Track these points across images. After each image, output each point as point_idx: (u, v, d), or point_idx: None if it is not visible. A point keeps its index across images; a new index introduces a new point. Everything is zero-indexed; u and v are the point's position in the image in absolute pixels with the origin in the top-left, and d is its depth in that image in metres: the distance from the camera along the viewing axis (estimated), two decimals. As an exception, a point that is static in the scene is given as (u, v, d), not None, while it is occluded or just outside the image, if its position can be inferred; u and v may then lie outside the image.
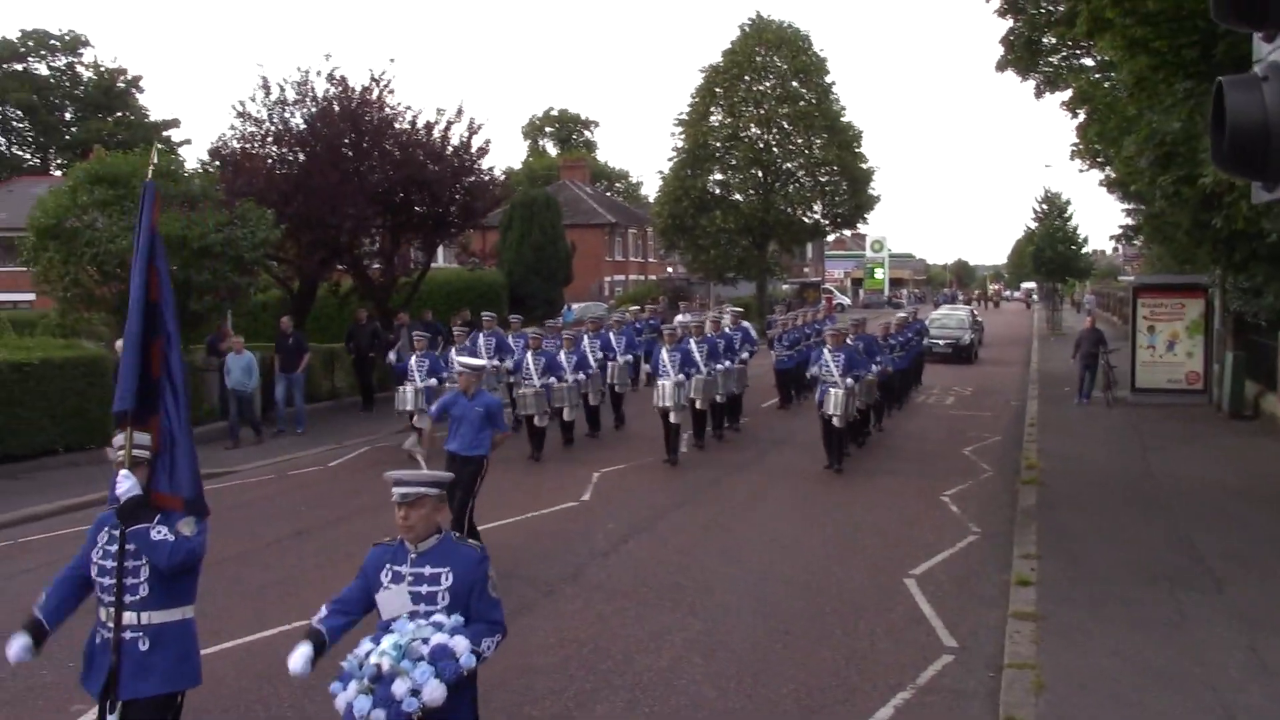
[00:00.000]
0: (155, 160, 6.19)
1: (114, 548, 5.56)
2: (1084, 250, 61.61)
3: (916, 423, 23.41)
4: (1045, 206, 60.85)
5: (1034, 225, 64.09)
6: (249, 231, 21.34)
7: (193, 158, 70.63)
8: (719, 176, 54.65)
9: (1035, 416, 23.34)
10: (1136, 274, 51.93)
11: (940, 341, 36.37)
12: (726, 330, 22.26)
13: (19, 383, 17.41)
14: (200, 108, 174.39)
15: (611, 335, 22.48)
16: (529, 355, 18.76)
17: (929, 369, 31.92)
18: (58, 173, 62.59)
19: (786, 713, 7.83)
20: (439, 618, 5.44)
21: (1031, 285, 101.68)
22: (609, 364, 21.71)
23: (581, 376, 19.48)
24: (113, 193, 20.45)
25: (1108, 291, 72.05)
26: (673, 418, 17.80)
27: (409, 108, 29.25)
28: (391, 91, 27.58)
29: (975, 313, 46.79)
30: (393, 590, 5.55)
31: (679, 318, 28.17)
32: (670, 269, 71.79)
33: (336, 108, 26.72)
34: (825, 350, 17.54)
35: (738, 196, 54.36)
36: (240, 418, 20.76)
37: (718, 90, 53.35)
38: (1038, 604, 10.14)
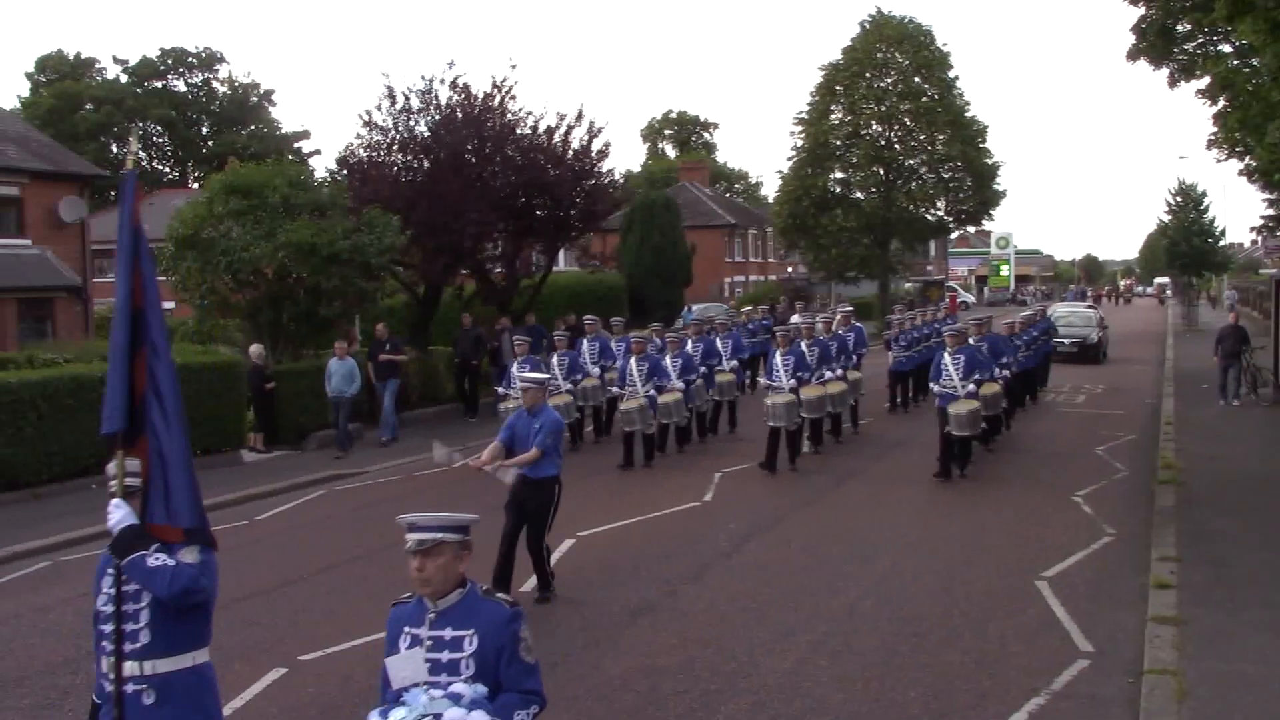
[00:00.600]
0: (135, 148, 5.35)
1: (114, 590, 4.82)
2: (1221, 243, 59.54)
3: (1046, 422, 22.82)
4: (1179, 199, 58.95)
5: (1167, 218, 62.15)
6: (375, 238, 21.78)
7: (321, 168, 72.41)
8: (839, 175, 54.10)
9: (1172, 415, 22.56)
10: (1279, 267, 49.96)
11: (1066, 340, 34.49)
12: (839, 332, 21.23)
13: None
14: (329, 119, 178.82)
15: (717, 340, 21.15)
16: (632, 361, 18.08)
17: (1054, 370, 30.41)
18: (195, 185, 64.78)
19: (914, 717, 7.67)
20: (459, 687, 4.57)
21: (1165, 280, 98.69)
22: (715, 373, 20.41)
23: (688, 382, 18.59)
24: (246, 203, 21.06)
25: (1247, 286, 69.42)
26: (788, 428, 17.05)
27: (530, 112, 29.43)
28: (513, 97, 27.92)
29: (1100, 311, 44.35)
30: (404, 655, 4.71)
31: (794, 318, 27.50)
32: (790, 269, 71.36)
33: (459, 115, 27.11)
34: (945, 354, 16.52)
35: (859, 195, 53.76)
36: (341, 425, 20.27)
37: (838, 88, 52.82)
38: (1178, 608, 9.78)
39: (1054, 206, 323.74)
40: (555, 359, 18.31)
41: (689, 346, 19.47)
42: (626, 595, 10.68)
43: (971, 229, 79.83)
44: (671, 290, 44.19)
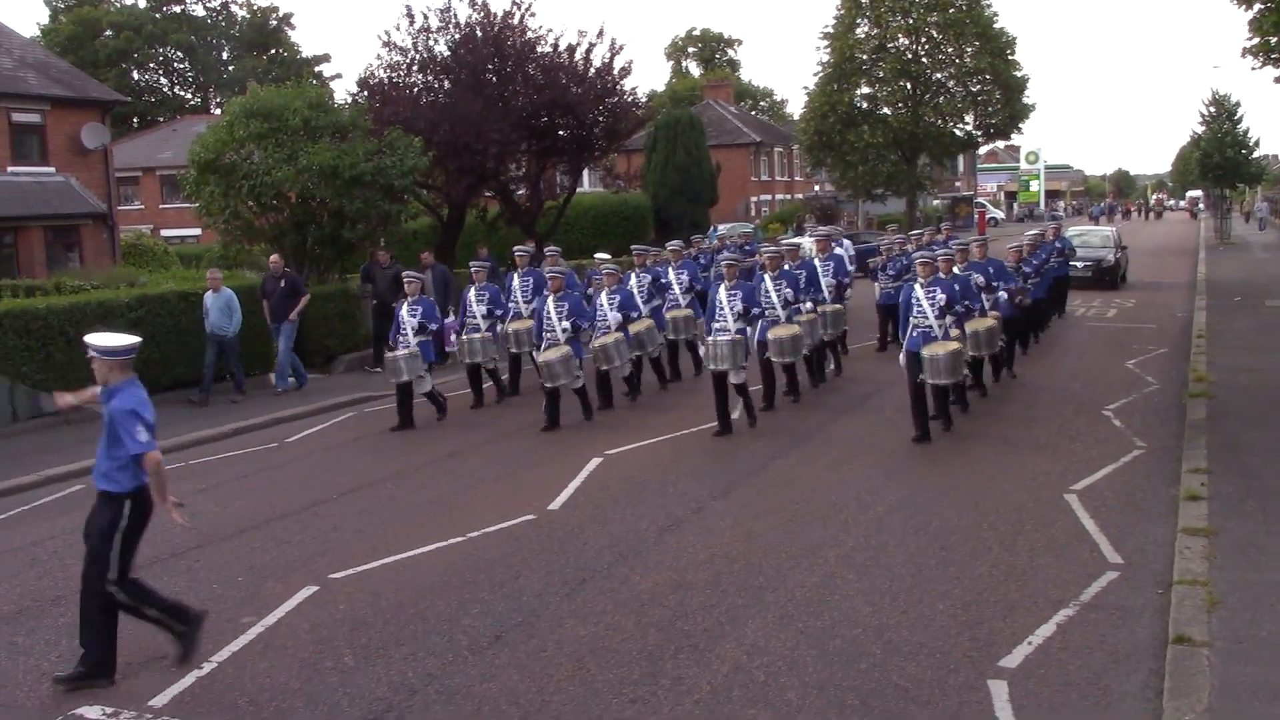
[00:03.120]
0: None
1: None
2: (1255, 154, 58.51)
3: (1076, 335, 22.63)
4: (1213, 110, 57.81)
5: (1200, 130, 61.04)
6: (398, 160, 21.66)
7: (342, 91, 71.92)
8: (866, 90, 53.23)
9: (1204, 328, 22.31)
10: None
11: (1079, 264, 30.83)
12: (812, 258, 18.31)
13: (186, 312, 18.18)
14: (348, 42, 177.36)
15: (671, 271, 17.90)
16: (550, 300, 15.20)
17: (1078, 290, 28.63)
18: (217, 111, 64.57)
19: (943, 628, 7.68)
20: None
21: (1197, 194, 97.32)
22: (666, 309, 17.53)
23: (625, 320, 15.52)
24: (267, 126, 20.93)
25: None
26: (732, 378, 14.10)
27: (550, 30, 29.23)
28: (533, 14, 27.69)
29: (1117, 229, 40.61)
30: None
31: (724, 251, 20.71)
32: (817, 187, 70.72)
33: (479, 33, 26.86)
34: (917, 285, 13.64)
35: (886, 110, 52.93)
36: (221, 366, 17.98)
37: (863, 1, 51.83)
38: (1209, 519, 9.71)
39: (1084, 120, 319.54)
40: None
41: (632, 281, 17.05)
42: (654, 512, 10.71)
43: (1000, 144, 79.08)
44: (697, 210, 43.92)
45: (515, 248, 18.46)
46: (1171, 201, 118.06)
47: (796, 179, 72.51)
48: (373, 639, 7.72)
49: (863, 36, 52.23)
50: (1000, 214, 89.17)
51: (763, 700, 6.68)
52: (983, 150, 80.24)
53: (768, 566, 9.02)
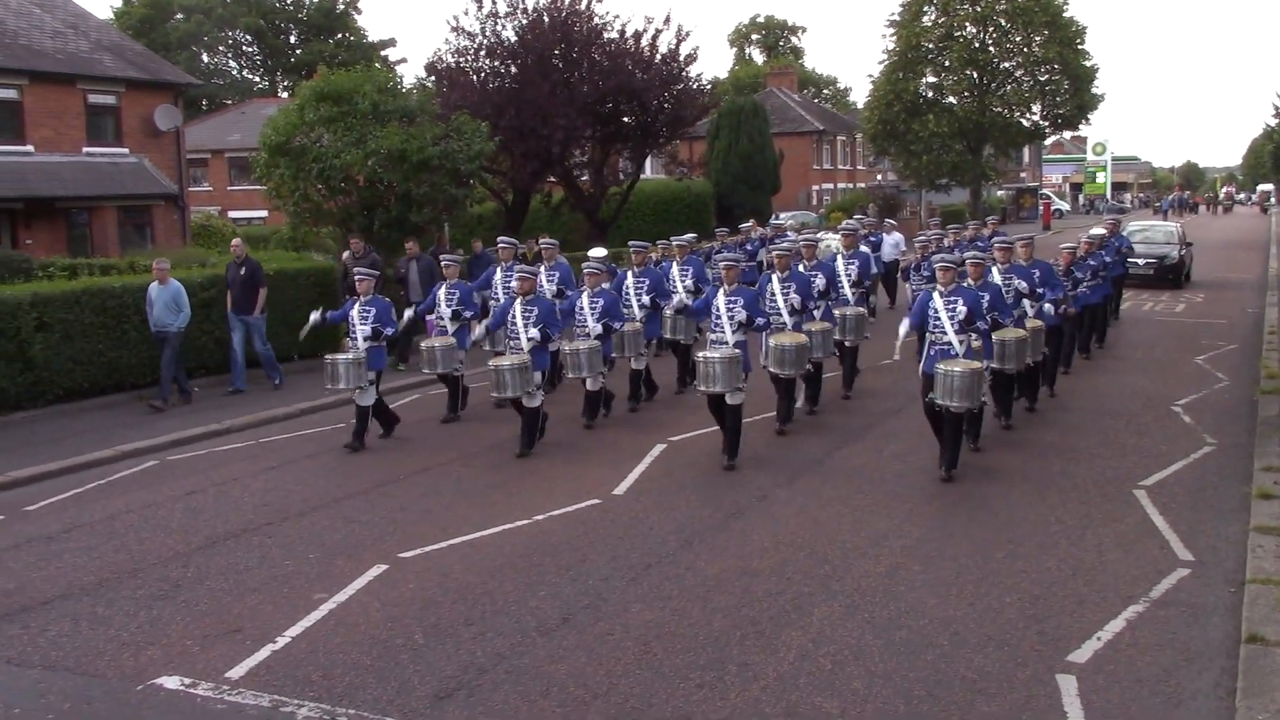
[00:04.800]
0: None
1: None
2: (1332, 148, 57.27)
3: (1144, 330, 22.32)
4: (1288, 101, 56.57)
5: (1274, 122, 59.88)
6: (464, 144, 21.82)
7: (410, 76, 72.36)
8: (932, 79, 52.86)
9: (1276, 324, 21.91)
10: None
11: (1140, 261, 28.33)
12: (826, 259, 16.18)
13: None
14: (413, 27, 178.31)
15: (674, 267, 16.03)
16: (517, 303, 13.06)
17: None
18: (285, 95, 65.28)
19: (1010, 621, 7.65)
20: None
21: (1268, 187, 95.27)
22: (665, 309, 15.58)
23: (605, 329, 13.61)
24: (336, 109, 21.16)
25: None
26: (729, 399, 12.04)
27: (616, 16, 29.27)
28: (600, 0, 27.64)
29: (1181, 224, 38.01)
30: None
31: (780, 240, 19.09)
32: (880, 177, 70.16)
33: (546, 19, 26.95)
34: (935, 293, 11.69)
35: (951, 99, 52.50)
36: (166, 367, 15.96)
37: (931, -12, 51.36)
38: (1282, 518, 9.58)
39: (1153, 110, 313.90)
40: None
41: (628, 281, 15.20)
42: (718, 499, 10.74)
43: (1067, 135, 77.96)
44: (759, 197, 43.74)
45: (499, 239, 16.59)
46: (1241, 195, 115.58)
47: (859, 168, 71.99)
48: (442, 618, 7.83)
49: (929, 25, 51.81)
50: (1065, 206, 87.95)
51: (829, 688, 6.70)
52: (1049, 141, 79.22)
53: (833, 555, 9.02)
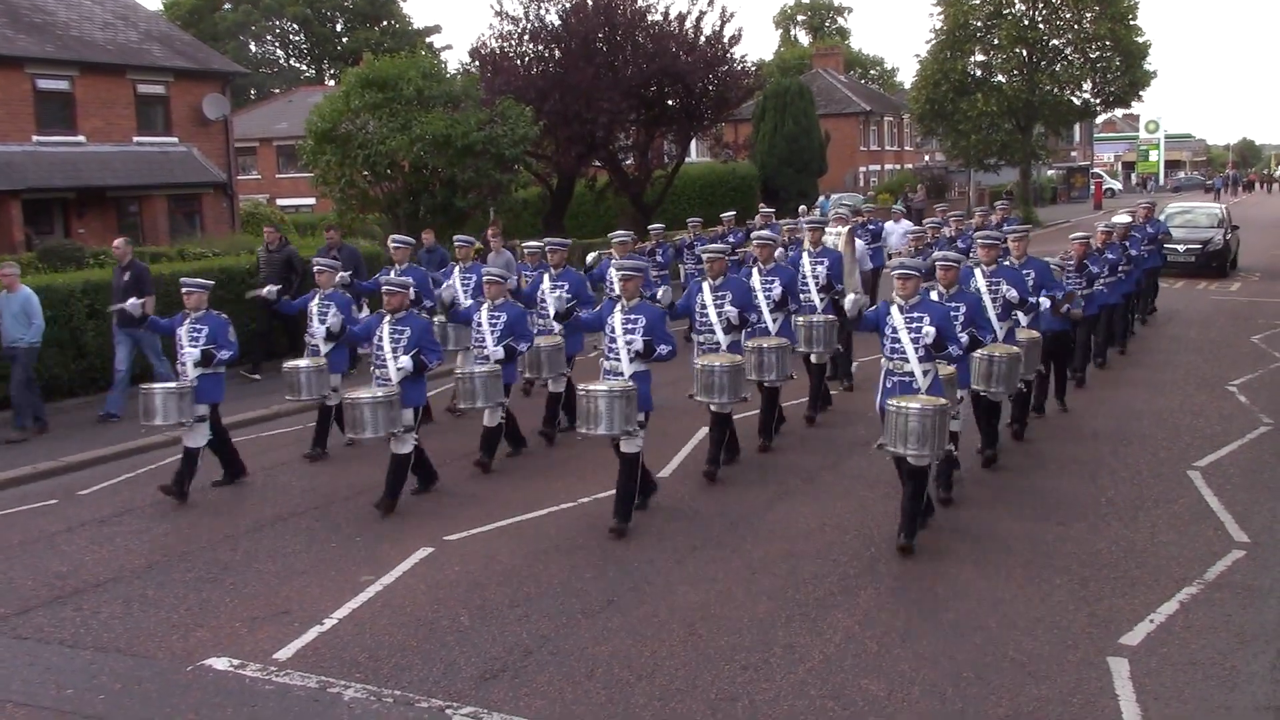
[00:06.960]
0: None
1: None
2: (1393, 123, 56.01)
3: (1199, 308, 21.97)
4: (1348, 75, 55.39)
5: (1334, 96, 58.57)
6: (509, 129, 21.84)
7: (454, 62, 72.58)
8: (980, 57, 52.03)
9: (1335, 303, 21.52)
10: None
11: (1180, 248, 25.73)
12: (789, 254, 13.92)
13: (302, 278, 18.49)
14: (458, 13, 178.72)
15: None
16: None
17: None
18: (331, 83, 65.66)
19: (1061, 603, 7.55)
20: None
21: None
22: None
23: (506, 352, 11.05)
24: (381, 95, 21.24)
25: None
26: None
27: (660, -1, 29.05)
28: (643, -17, 27.54)
29: (1225, 206, 34.63)
30: None
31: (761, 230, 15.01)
32: (928, 157, 69.51)
33: (590, 2, 26.86)
34: (893, 307, 8.99)
35: (1000, 78, 51.70)
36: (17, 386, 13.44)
37: (979, -34, 50.64)
38: (1341, 499, 9.40)
39: (1208, 87, 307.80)
40: (315, 302, 11.90)
41: (544, 284, 12.45)
42: (764, 481, 10.68)
43: (1119, 113, 76.60)
44: (805, 180, 43.43)
45: (456, 238, 14.06)
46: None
47: (906, 149, 71.35)
48: (487, 600, 7.85)
49: (978, 2, 51.03)
50: (1118, 185, 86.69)
51: (876, 670, 6.64)
52: (1100, 119, 78.07)
53: (880, 537, 8.94)
